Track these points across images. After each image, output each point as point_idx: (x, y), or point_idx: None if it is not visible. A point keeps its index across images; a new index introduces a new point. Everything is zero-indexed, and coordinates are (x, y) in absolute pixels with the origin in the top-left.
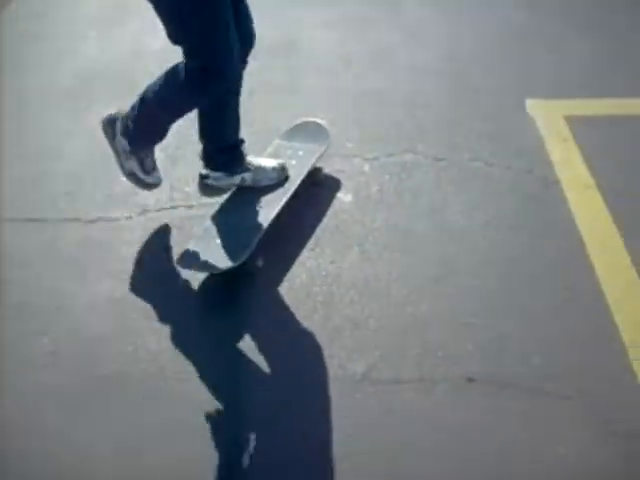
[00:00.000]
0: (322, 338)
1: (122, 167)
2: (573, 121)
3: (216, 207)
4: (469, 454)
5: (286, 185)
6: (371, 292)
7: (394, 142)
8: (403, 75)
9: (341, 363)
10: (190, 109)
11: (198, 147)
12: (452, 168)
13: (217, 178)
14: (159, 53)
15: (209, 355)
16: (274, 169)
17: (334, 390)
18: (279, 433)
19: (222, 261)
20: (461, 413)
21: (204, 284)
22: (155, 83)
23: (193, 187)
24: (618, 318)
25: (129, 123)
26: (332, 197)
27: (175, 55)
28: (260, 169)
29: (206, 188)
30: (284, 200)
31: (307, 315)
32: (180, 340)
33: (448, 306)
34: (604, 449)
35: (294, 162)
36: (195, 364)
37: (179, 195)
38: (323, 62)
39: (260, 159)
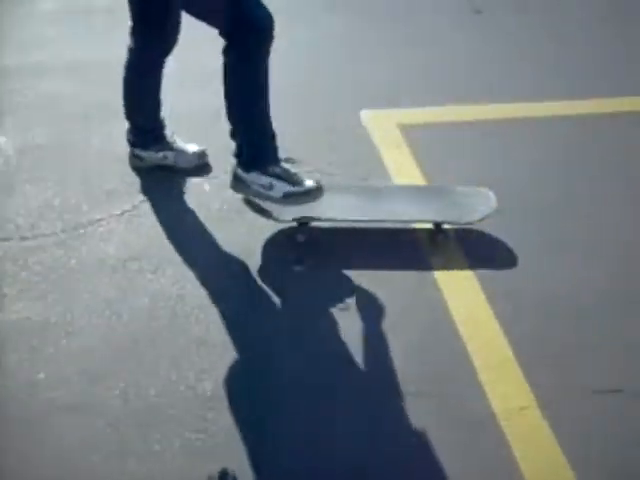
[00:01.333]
0: (168, 359)
1: (273, 198)
2: (406, 129)
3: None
4: None
5: None
6: (215, 310)
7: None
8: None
9: (189, 384)
10: (265, 76)
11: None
12: None
13: (143, 156)
14: None
15: None
16: (194, 154)
17: (184, 409)
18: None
19: None
20: None
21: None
22: (228, 93)
23: (27, 219)
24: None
25: (238, 153)
26: None
27: None
28: (181, 151)
29: (136, 162)
30: None
31: (152, 339)
32: None
33: None
34: None
35: None
36: None
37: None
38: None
39: (184, 143)
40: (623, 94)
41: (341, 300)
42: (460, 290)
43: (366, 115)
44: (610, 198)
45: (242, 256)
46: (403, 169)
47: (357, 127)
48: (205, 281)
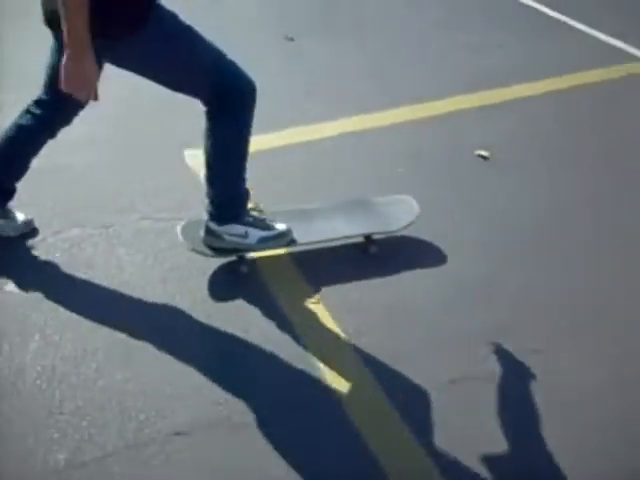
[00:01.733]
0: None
1: (250, 245)
2: None
3: None
4: None
5: None
6: (60, 376)
7: (61, 218)
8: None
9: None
10: (248, 135)
11: None
12: (122, 232)
13: None
14: None
15: None
16: (24, 222)
17: None
18: None
19: None
20: (173, 467)
21: None
22: (212, 152)
23: None
24: None
25: (212, 208)
26: None
27: None
28: (9, 218)
29: None
30: None
31: None
32: None
33: (141, 371)
34: None
35: None
36: None
37: None
38: None
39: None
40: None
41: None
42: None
43: (190, 154)
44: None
45: None
46: None
47: (181, 167)
48: None
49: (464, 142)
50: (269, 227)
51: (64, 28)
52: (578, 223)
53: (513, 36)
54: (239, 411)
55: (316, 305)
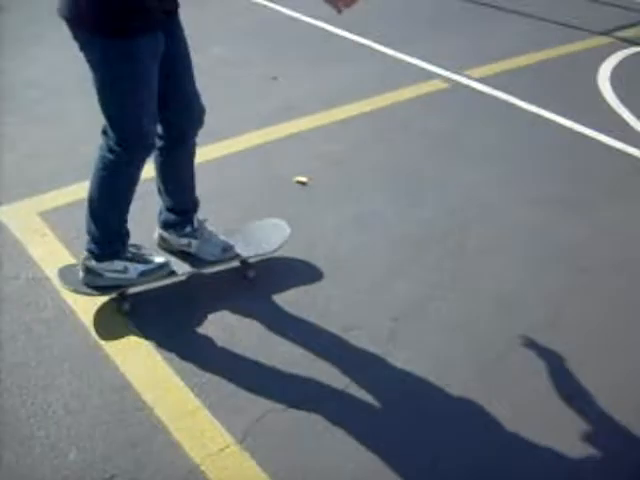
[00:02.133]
0: None
1: (131, 280)
2: (48, 215)
3: None
4: None
5: None
6: None
7: None
8: None
9: None
10: (121, 190)
11: None
12: None
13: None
14: None
15: None
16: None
17: None
18: None
19: None
20: None
21: None
22: (92, 184)
23: None
24: None
25: (92, 245)
26: None
27: None
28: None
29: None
30: None
31: None
32: None
33: None
34: None
35: None
36: None
37: None
38: None
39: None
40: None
41: None
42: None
43: (3, 210)
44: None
45: None
46: (51, 257)
47: None
48: None
49: (281, 171)
50: (147, 261)
51: None
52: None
53: (315, 63)
54: None
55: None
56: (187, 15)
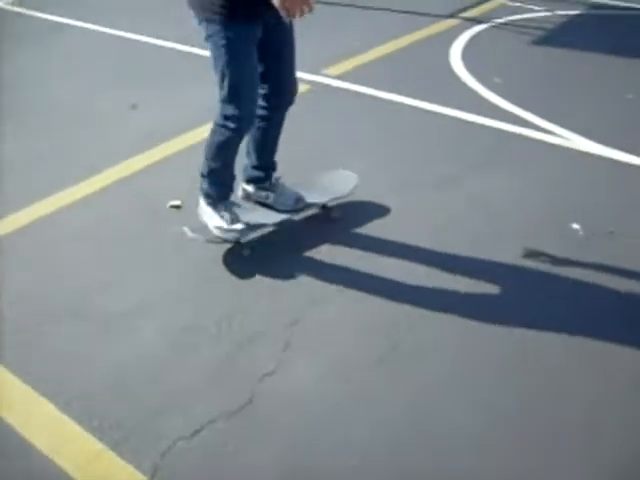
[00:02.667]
0: None
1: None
2: None
3: None
4: None
5: None
6: None
7: None
8: None
9: None
10: (226, 153)
11: None
12: None
13: None
14: None
15: None
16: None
17: None
18: None
19: None
20: None
21: None
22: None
23: None
24: None
25: (201, 185)
26: None
27: None
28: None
29: None
30: None
31: None
32: None
33: None
34: None
35: None
36: None
37: None
38: None
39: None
40: None
41: None
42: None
43: None
44: None
45: None
46: None
47: None
48: None
49: (155, 199)
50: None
51: None
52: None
53: (174, 86)
54: None
55: None
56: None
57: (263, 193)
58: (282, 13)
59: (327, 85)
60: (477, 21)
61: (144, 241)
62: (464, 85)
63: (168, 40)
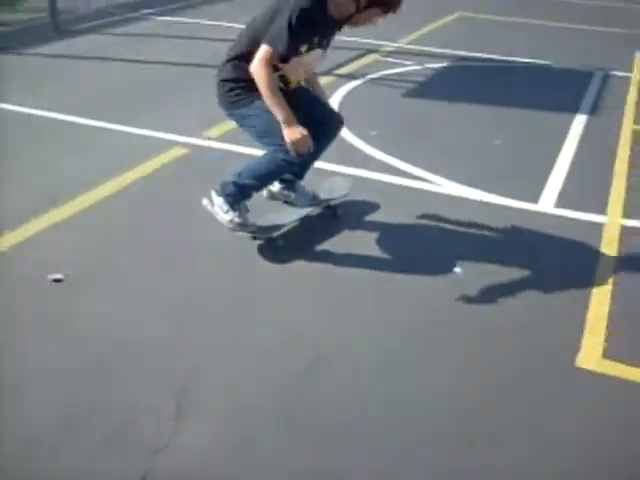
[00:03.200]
0: None
1: (224, 220)
2: None
3: None
4: None
5: None
6: None
7: None
8: None
9: None
10: (272, 179)
11: None
12: None
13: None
14: None
15: None
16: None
17: None
18: None
19: None
20: None
21: None
22: (251, 163)
23: None
24: None
25: (229, 188)
26: None
27: None
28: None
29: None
30: None
31: None
32: None
33: None
34: None
35: None
36: None
37: None
38: None
39: None
40: None
41: None
42: None
43: None
44: None
45: None
46: None
47: None
48: None
49: (35, 270)
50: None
51: (271, 108)
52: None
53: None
54: None
55: None
56: None
57: (286, 192)
58: (290, 151)
59: (207, 147)
60: (352, 77)
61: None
62: (343, 140)
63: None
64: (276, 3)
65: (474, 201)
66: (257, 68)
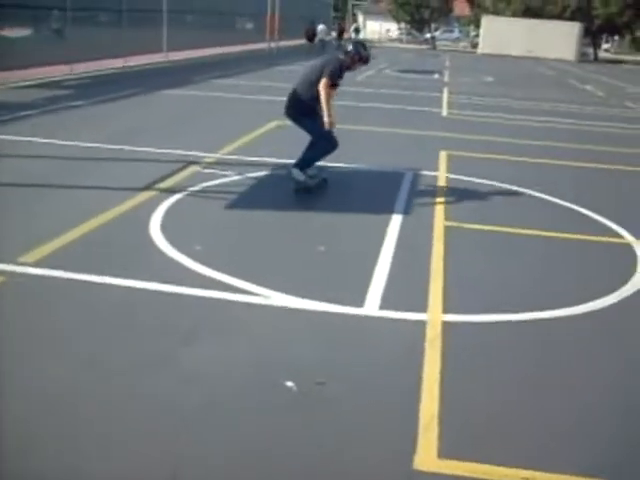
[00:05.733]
0: None
1: (299, 182)
2: None
3: None
4: None
5: None
6: None
7: None
8: None
9: None
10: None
11: None
12: None
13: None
14: None
15: None
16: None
17: None
18: None
19: None
20: None
21: None
22: (308, 148)
23: None
24: None
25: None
26: None
27: None
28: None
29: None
30: None
31: None
32: None
33: None
34: None
35: None
36: None
37: None
38: None
39: None
40: None
41: None
42: None
43: None
44: None
45: None
46: None
47: None
48: None
49: None
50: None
51: (325, 107)
52: None
53: None
54: None
55: None
56: None
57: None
58: (327, 125)
59: (23, 274)
60: (173, 191)
61: None
62: (167, 257)
63: None
64: (321, 65)
65: (301, 310)
66: (323, 88)
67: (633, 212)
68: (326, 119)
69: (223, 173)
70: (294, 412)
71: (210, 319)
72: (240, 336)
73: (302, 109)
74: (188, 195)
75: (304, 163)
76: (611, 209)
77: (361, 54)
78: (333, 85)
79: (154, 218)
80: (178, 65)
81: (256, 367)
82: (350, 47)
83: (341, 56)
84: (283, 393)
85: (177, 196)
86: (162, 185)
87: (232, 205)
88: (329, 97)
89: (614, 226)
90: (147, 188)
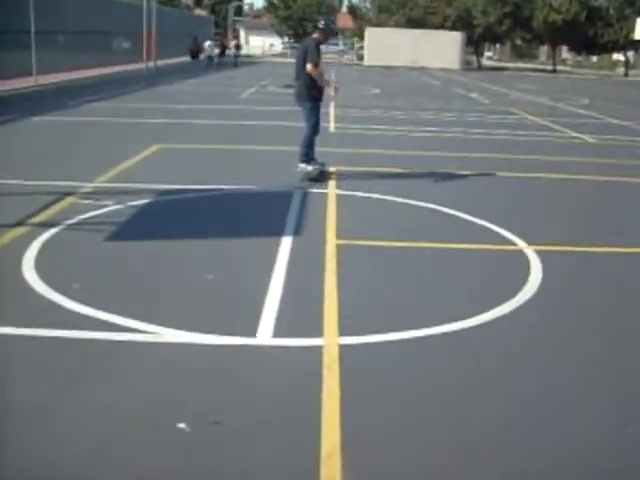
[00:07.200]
0: None
1: (308, 173)
2: None
3: None
4: None
5: None
6: None
7: None
8: None
9: None
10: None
11: None
12: None
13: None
14: None
15: None
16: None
17: None
18: None
19: None
20: None
21: None
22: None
23: None
24: None
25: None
26: None
27: None
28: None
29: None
30: None
31: None
32: None
33: None
34: None
35: None
36: None
37: None
38: None
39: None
40: None
41: None
42: None
43: None
44: None
45: None
46: None
47: None
48: None
49: None
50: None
51: (321, 81)
52: None
53: None
54: None
55: None
56: None
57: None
58: (331, 91)
59: None
60: (48, 225)
61: None
62: (42, 299)
63: None
64: (303, 50)
65: (192, 345)
66: (312, 72)
67: (522, 218)
68: (329, 90)
69: (102, 203)
70: (187, 456)
71: (93, 363)
72: (126, 378)
73: (305, 96)
74: (64, 229)
75: (304, 155)
76: (503, 217)
77: (331, 28)
78: (316, 64)
79: (27, 256)
80: (50, 89)
81: (145, 410)
82: (322, 23)
83: (315, 35)
84: (175, 437)
85: (52, 231)
86: (35, 220)
87: (113, 237)
88: (320, 73)
89: (506, 233)
90: (18, 224)
